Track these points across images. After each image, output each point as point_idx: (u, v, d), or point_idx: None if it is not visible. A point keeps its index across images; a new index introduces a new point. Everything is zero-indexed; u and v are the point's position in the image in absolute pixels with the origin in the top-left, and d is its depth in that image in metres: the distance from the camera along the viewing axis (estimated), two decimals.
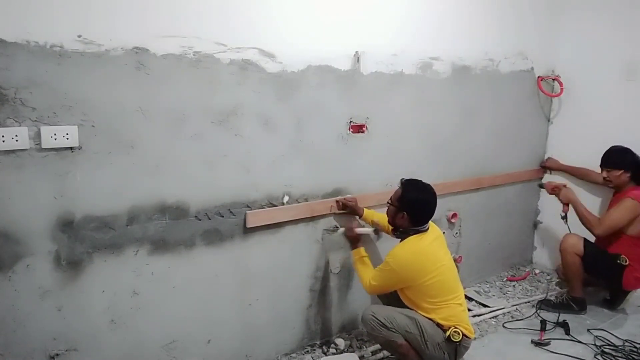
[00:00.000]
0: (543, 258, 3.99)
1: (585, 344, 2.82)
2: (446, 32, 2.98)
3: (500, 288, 3.59)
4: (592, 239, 3.15)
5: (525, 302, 3.33)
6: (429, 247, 2.35)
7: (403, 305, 2.40)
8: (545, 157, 3.88)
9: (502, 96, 3.45)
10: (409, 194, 2.36)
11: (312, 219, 2.58)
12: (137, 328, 2.12)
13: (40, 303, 1.88)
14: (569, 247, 3.13)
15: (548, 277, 3.78)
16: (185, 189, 2.14)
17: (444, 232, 2.57)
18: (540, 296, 3.40)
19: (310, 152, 2.51)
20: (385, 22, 2.66)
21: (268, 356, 2.57)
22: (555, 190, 3.26)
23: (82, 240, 1.92)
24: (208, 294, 2.30)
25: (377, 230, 2.65)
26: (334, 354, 2.66)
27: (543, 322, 2.96)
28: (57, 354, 1.94)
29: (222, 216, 2.26)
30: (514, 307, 3.25)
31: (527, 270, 3.89)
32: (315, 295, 2.69)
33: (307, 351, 2.68)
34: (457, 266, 2.51)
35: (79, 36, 1.79)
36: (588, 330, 2.97)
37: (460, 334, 2.26)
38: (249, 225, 2.33)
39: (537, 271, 3.87)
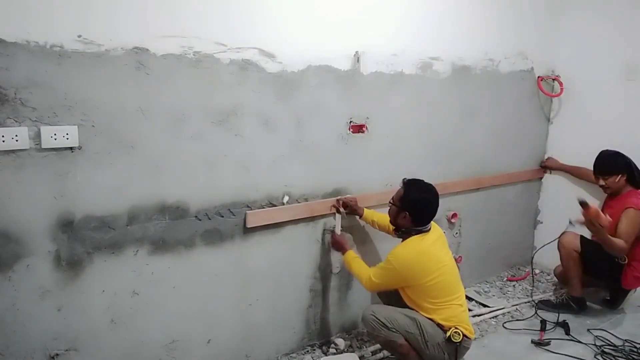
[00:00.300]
0: (543, 258, 3.98)
1: (586, 343, 2.82)
2: (446, 32, 2.98)
3: (500, 288, 3.59)
4: (590, 236, 3.15)
5: (525, 302, 3.33)
6: (431, 248, 2.35)
7: (403, 305, 2.40)
8: (545, 157, 3.88)
9: (502, 96, 3.45)
10: (411, 194, 2.36)
11: (312, 219, 2.58)
12: (137, 328, 2.12)
13: (40, 303, 1.88)
14: (566, 244, 3.14)
15: (548, 277, 3.78)
16: (185, 189, 2.14)
17: (444, 232, 2.56)
18: (541, 296, 3.40)
19: (310, 152, 2.51)
20: (385, 22, 2.66)
21: (268, 356, 2.57)
22: (595, 219, 2.72)
23: (82, 240, 1.92)
24: (208, 294, 2.30)
25: (345, 211, 2.61)
26: (334, 354, 2.66)
27: (543, 322, 2.96)
28: (57, 354, 1.94)
29: (222, 216, 2.26)
30: (514, 307, 3.25)
31: (527, 270, 3.89)
32: (315, 295, 2.69)
33: (307, 351, 2.68)
34: (457, 266, 2.51)
35: (79, 36, 1.79)
36: (588, 330, 2.97)
37: (461, 334, 2.26)
38: (249, 225, 2.33)
39: (537, 271, 3.87)
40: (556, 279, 3.60)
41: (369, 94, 2.67)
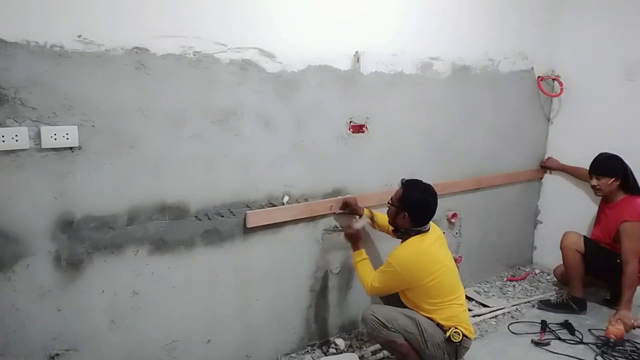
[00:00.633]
0: (543, 258, 3.99)
1: (586, 343, 2.82)
2: (446, 32, 2.98)
3: (500, 288, 3.58)
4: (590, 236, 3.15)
5: (525, 302, 3.32)
6: (431, 248, 2.35)
7: (403, 305, 2.40)
8: (545, 157, 3.88)
9: (502, 96, 3.45)
10: (410, 195, 2.36)
11: (312, 219, 2.58)
12: (137, 328, 2.12)
13: (40, 303, 1.88)
14: (570, 244, 3.14)
15: (548, 277, 3.78)
16: (185, 189, 2.14)
17: (444, 232, 2.57)
18: (541, 296, 3.40)
19: (310, 152, 2.51)
20: (385, 22, 2.66)
21: (268, 356, 2.57)
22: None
23: (82, 240, 1.92)
24: (208, 294, 2.30)
25: (372, 219, 2.64)
26: (334, 354, 2.66)
27: (543, 322, 2.96)
28: (57, 354, 1.94)
29: (222, 216, 2.26)
30: (514, 307, 3.25)
31: (527, 270, 3.89)
32: (315, 295, 2.69)
33: (307, 351, 2.68)
34: (457, 266, 2.51)
35: (79, 36, 1.79)
36: (589, 330, 2.97)
37: (461, 334, 2.26)
38: (249, 225, 2.33)
39: (537, 271, 3.87)
40: (556, 279, 3.60)
41: (369, 94, 2.67)
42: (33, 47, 1.71)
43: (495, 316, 3.13)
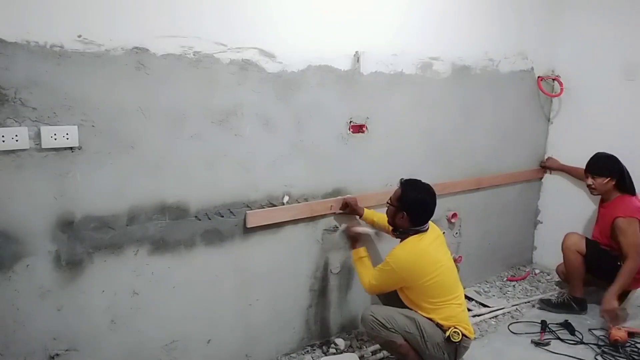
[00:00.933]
0: (543, 258, 3.99)
1: (586, 343, 2.82)
2: (446, 32, 2.98)
3: (500, 288, 3.58)
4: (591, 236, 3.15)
5: (525, 302, 3.32)
6: (429, 248, 2.35)
7: (403, 305, 2.40)
8: (545, 157, 3.88)
9: (502, 96, 3.45)
10: (409, 194, 2.36)
11: (312, 219, 2.58)
12: (137, 328, 2.12)
13: (40, 303, 1.88)
14: (571, 245, 3.14)
15: (548, 277, 3.78)
16: (185, 189, 2.14)
17: (443, 232, 2.57)
18: (541, 296, 3.40)
19: (310, 152, 2.51)
20: (385, 22, 2.66)
21: (268, 356, 2.57)
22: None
23: (82, 240, 1.92)
24: (208, 294, 2.30)
25: (379, 232, 2.65)
26: (334, 354, 2.66)
27: (543, 323, 2.96)
28: (57, 354, 1.94)
29: (222, 216, 2.26)
30: (514, 307, 3.25)
31: (527, 270, 3.89)
32: (315, 295, 2.69)
33: (307, 351, 2.68)
34: (457, 266, 2.51)
35: (79, 36, 1.79)
36: (589, 330, 2.97)
37: (460, 334, 2.26)
38: (249, 225, 2.33)
39: (537, 271, 3.87)
40: (558, 277, 3.60)
41: (369, 94, 2.67)
42: (33, 47, 1.71)
43: (495, 316, 3.13)
